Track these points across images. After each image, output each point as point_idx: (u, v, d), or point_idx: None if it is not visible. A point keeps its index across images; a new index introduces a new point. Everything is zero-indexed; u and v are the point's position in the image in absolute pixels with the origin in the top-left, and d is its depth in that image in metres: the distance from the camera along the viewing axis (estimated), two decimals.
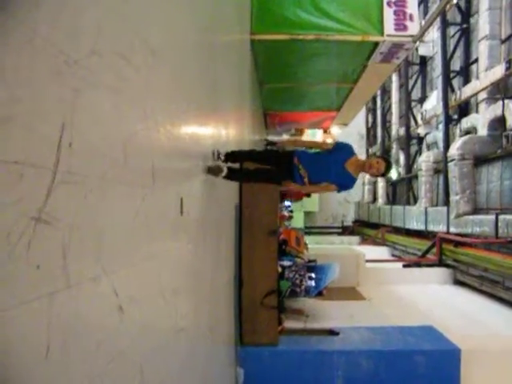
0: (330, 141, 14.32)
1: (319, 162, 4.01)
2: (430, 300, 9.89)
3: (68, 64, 1.26)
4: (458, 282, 12.04)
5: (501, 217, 10.39)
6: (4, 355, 1.00)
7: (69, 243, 1.25)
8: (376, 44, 7.64)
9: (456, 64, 14.87)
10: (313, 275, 7.61)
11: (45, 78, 1.16)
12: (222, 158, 3.83)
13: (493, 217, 10.71)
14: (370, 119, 26.75)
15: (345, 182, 4.11)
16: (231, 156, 3.97)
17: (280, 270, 7.08)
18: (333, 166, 3.97)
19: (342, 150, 4.05)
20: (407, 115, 19.10)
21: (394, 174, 20.24)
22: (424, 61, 18.25)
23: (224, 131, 4.42)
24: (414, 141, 19.01)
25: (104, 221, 1.51)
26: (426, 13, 15.99)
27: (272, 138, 16.57)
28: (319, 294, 7.79)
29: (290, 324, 6.89)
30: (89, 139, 1.41)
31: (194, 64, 3.04)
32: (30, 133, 1.10)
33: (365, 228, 23.76)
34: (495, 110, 11.76)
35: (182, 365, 2.65)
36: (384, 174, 4.12)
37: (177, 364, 2.53)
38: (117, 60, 1.63)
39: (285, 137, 17.48)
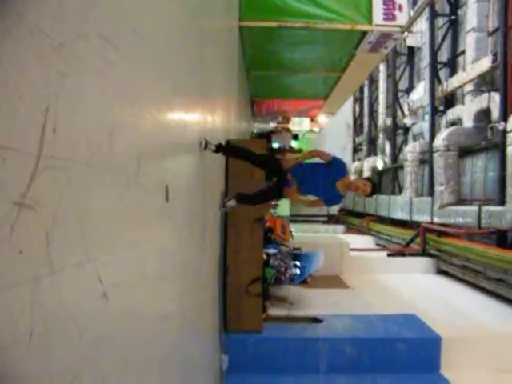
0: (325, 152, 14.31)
1: (312, 176, 4.21)
2: (413, 289, 10.03)
3: (53, 47, 1.23)
4: (441, 272, 12.22)
5: (484, 208, 10.53)
6: None
7: (52, 229, 1.24)
8: (364, 33, 7.63)
9: (443, 55, 14.93)
10: (297, 263, 7.67)
11: (30, 62, 1.13)
12: (213, 148, 3.89)
13: (476, 208, 10.85)
14: (357, 109, 26.81)
15: (332, 199, 4.35)
16: (223, 149, 4.09)
17: (265, 257, 7.11)
18: (324, 182, 4.17)
19: (338, 169, 4.24)
20: (394, 105, 19.18)
21: (379, 164, 20.34)
22: (412, 51, 18.29)
23: (211, 118, 4.40)
24: (401, 131, 19.11)
25: (88, 207, 1.49)
26: (414, 3, 15.94)
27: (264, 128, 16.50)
28: (304, 282, 7.86)
29: (274, 311, 6.95)
30: (73, 124, 1.39)
31: (181, 50, 3.00)
32: (14, 117, 1.08)
33: (350, 217, 23.92)
34: (481, 101, 11.85)
35: (166, 351, 2.66)
36: (370, 195, 4.32)
37: (161, 350, 2.53)
38: (103, 44, 1.61)
39: (272, 125, 17.43)
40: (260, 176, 5.54)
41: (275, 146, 14.70)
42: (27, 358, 1.13)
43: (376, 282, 10.34)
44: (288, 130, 16.05)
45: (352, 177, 4.50)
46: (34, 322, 1.14)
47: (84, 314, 1.46)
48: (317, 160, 4.39)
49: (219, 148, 4.11)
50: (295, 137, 15.70)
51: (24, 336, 1.11)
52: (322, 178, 4.15)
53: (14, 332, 1.08)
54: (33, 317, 1.14)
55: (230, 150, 4.66)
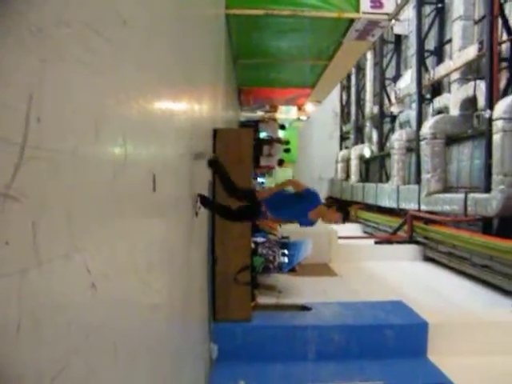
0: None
1: (286, 205, 4.37)
2: (400, 276, 10.14)
3: (32, 33, 1.20)
4: (428, 259, 12.36)
5: (470, 195, 10.64)
6: None
7: (39, 220, 1.22)
8: (351, 21, 7.61)
9: (430, 43, 14.97)
10: (286, 252, 7.70)
11: (10, 48, 1.11)
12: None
13: (462, 195, 10.96)
14: (345, 97, 26.83)
15: (304, 223, 4.61)
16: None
17: (253, 246, 7.13)
18: (298, 211, 4.35)
19: (311, 200, 4.32)
20: (381, 93, 19.23)
21: (367, 152, 20.42)
22: (399, 39, 18.31)
23: (198, 107, 4.37)
24: (388, 119, 19.18)
25: (75, 197, 1.48)
26: None
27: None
28: (292, 270, 7.90)
29: (263, 300, 6.98)
30: (58, 113, 1.36)
31: (167, 37, 2.97)
32: None
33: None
34: (467, 90, 11.93)
35: (156, 341, 2.66)
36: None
37: (151, 340, 2.53)
38: (86, 31, 1.58)
39: (259, 113, 17.37)
40: (249, 162, 5.58)
41: (262, 135, 14.67)
42: (15, 349, 1.12)
43: (364, 270, 10.43)
44: (275, 120, 16.03)
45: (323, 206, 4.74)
46: (21, 313, 1.13)
47: (73, 304, 1.45)
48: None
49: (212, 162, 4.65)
50: (282, 127, 15.69)
51: (12, 327, 1.10)
52: (297, 210, 4.32)
53: (2, 323, 1.07)
54: (21, 308, 1.13)
55: (218, 167, 4.88)
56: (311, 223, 4.48)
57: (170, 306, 3.13)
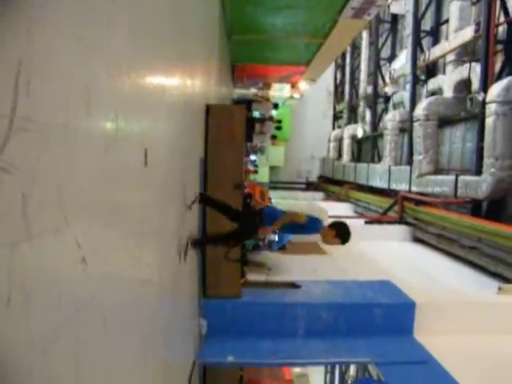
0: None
1: (290, 231, 5.05)
2: (389, 256, 10.23)
3: (20, 1, 1.17)
4: (417, 240, 12.48)
5: (460, 178, 10.70)
6: None
7: (29, 192, 1.21)
8: None
9: (427, 24, 14.85)
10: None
11: None
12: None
13: (453, 177, 11.02)
14: (339, 76, 26.67)
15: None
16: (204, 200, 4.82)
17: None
18: (297, 234, 5.15)
19: (312, 226, 4.66)
20: (376, 73, 19.13)
21: (359, 132, 20.41)
22: (395, 19, 18.15)
23: (190, 82, 4.32)
24: (381, 99, 19.12)
25: (66, 170, 1.46)
26: None
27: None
28: (282, 248, 7.95)
29: (252, 277, 7.04)
30: (48, 85, 1.34)
31: (160, 11, 2.92)
32: None
33: (329, 184, 24.09)
34: (461, 72, 11.89)
35: (145, 316, 2.67)
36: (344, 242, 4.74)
37: (141, 315, 2.54)
38: (76, 1, 1.54)
39: (253, 90, 17.25)
40: (241, 139, 5.58)
41: (255, 114, 14.60)
42: (6, 322, 1.12)
43: (353, 249, 10.48)
44: (268, 99, 15.97)
45: (326, 225, 4.85)
46: (12, 286, 1.13)
47: (63, 278, 1.45)
48: None
49: (202, 198, 4.82)
50: (275, 106, 15.62)
51: (2, 300, 1.10)
52: (300, 232, 4.85)
53: None
54: (11, 281, 1.12)
55: (209, 201, 5.11)
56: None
57: (160, 281, 3.14)
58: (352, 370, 6.86)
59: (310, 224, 4.60)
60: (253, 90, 17.38)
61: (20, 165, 1.17)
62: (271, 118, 14.54)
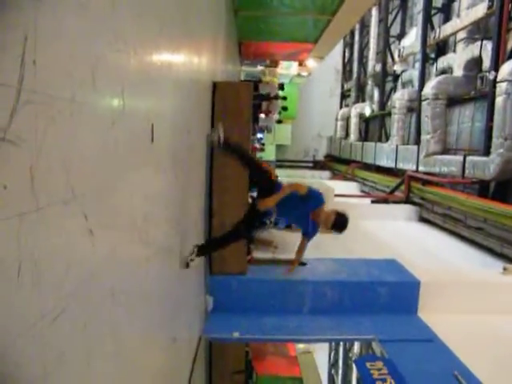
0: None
1: (291, 207, 4.23)
2: (395, 235, 10.24)
3: None
4: (423, 219, 12.46)
5: (468, 158, 10.62)
6: None
7: (37, 165, 1.22)
8: None
9: (438, 0, 14.57)
10: None
11: None
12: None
13: (461, 157, 10.94)
14: (347, 54, 26.35)
15: (307, 228, 4.41)
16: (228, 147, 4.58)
17: (250, 200, 7.15)
18: (300, 212, 4.25)
19: (315, 200, 4.25)
20: (385, 51, 18.87)
21: (367, 111, 20.24)
22: None
23: (197, 59, 4.29)
24: (390, 78, 18.89)
25: (73, 143, 1.47)
26: None
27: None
28: (288, 227, 7.96)
29: (258, 254, 7.07)
30: (55, 57, 1.33)
31: None
32: None
33: (336, 163, 24.01)
34: (473, 50, 11.70)
35: (152, 290, 2.71)
36: (337, 230, 4.28)
37: (147, 289, 2.58)
38: None
39: (259, 68, 17.09)
40: (248, 116, 5.52)
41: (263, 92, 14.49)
42: (17, 292, 1.14)
43: (359, 228, 10.50)
44: (275, 79, 15.93)
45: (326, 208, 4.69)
46: (21, 256, 1.14)
47: (70, 250, 1.47)
48: None
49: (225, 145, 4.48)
50: (281, 87, 15.51)
51: (13, 271, 1.12)
52: (301, 207, 4.20)
53: (3, 266, 1.08)
54: (20, 251, 1.14)
55: (232, 149, 4.71)
56: (314, 231, 4.41)
57: (167, 255, 3.17)
58: (356, 347, 6.93)
59: (312, 196, 4.20)
60: (260, 68, 17.23)
61: (27, 137, 1.18)
62: (276, 96, 14.41)
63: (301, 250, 4.59)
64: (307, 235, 4.40)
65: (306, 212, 4.21)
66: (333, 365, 8.06)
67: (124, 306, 2.05)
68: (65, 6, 1.39)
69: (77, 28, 1.49)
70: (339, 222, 4.19)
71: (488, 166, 9.72)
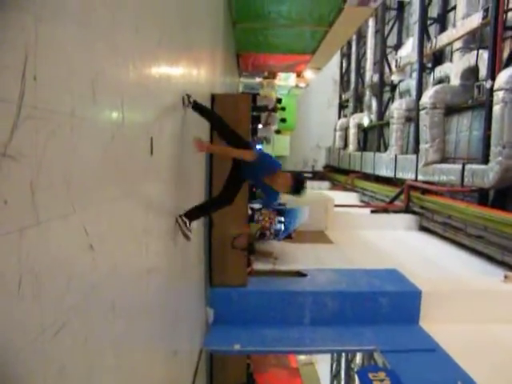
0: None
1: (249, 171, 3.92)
2: (395, 245, 10.22)
3: None
4: (423, 228, 12.44)
5: (467, 166, 10.63)
6: None
7: (37, 180, 1.22)
8: None
9: (434, 11, 14.68)
10: (282, 219, 7.73)
11: (3, 5, 1.08)
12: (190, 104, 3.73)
13: (459, 166, 10.95)
14: (345, 64, 26.46)
15: (268, 200, 4.21)
16: (199, 108, 3.91)
17: (250, 212, 7.16)
18: (256, 179, 3.97)
19: (267, 166, 3.86)
20: (382, 61, 18.96)
21: (365, 121, 20.31)
22: (402, 6, 17.93)
23: (196, 71, 4.31)
24: (388, 88, 18.96)
25: (73, 158, 1.48)
26: None
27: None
28: (288, 237, 7.95)
29: (259, 266, 7.06)
30: (54, 73, 1.35)
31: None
32: None
33: (335, 173, 24.01)
34: (469, 59, 11.76)
35: (153, 303, 2.70)
36: (294, 192, 3.89)
37: (148, 302, 2.57)
38: None
39: (258, 80, 17.18)
40: (247, 128, 5.47)
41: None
42: (18, 304, 1.14)
43: (359, 238, 10.51)
44: (273, 93, 16.06)
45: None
46: (22, 270, 1.15)
47: (71, 264, 1.47)
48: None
49: (195, 106, 3.83)
50: (279, 101, 15.59)
51: (13, 285, 1.12)
52: (256, 175, 3.92)
53: (3, 281, 1.08)
54: (21, 265, 1.14)
55: (201, 109, 4.11)
56: (272, 197, 4.12)
57: (166, 269, 3.17)
58: (358, 358, 6.89)
59: (264, 162, 3.79)
60: (258, 79, 17.30)
61: (27, 153, 1.18)
62: (274, 108, 14.48)
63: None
64: (265, 203, 4.17)
65: (261, 178, 3.89)
66: (335, 376, 8.00)
67: (125, 319, 2.05)
68: (64, 22, 1.41)
69: (76, 44, 1.50)
70: (296, 185, 3.83)
71: (487, 174, 9.73)
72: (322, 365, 7.22)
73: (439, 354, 5.30)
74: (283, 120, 15.62)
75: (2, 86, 1.08)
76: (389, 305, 6.11)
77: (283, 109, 15.25)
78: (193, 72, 4.13)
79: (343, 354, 6.71)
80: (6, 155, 1.08)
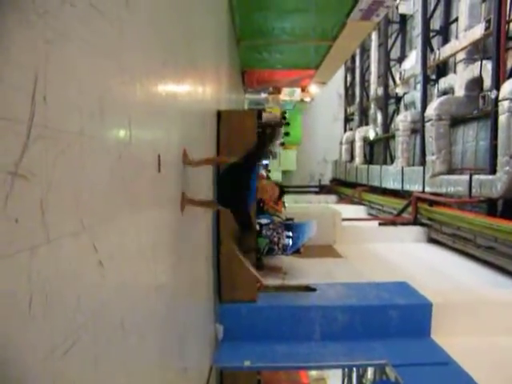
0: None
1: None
2: (404, 257, 10.15)
3: (38, 13, 1.21)
4: (432, 240, 12.36)
5: (474, 177, 10.59)
6: None
7: (47, 198, 1.24)
8: (356, 1, 7.53)
9: (436, 23, 14.76)
10: (290, 233, 7.72)
11: (14, 28, 1.11)
12: None
13: (467, 177, 10.91)
14: (349, 78, 26.58)
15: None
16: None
17: (258, 227, 7.16)
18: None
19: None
20: (386, 75, 19.04)
21: (371, 134, 20.32)
22: (404, 19, 18.06)
23: (201, 88, 4.36)
24: (392, 100, 19.01)
25: (82, 176, 1.49)
26: None
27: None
28: (296, 252, 7.93)
29: (268, 281, 7.02)
30: (64, 93, 1.37)
31: (169, 18, 2.95)
32: (2, 85, 1.06)
33: (342, 187, 23.97)
34: (473, 70, 11.79)
35: (162, 320, 2.70)
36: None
37: (157, 319, 2.57)
38: (90, 11, 1.58)
39: (263, 95, 17.29)
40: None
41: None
42: (29, 325, 1.15)
43: (368, 251, 10.45)
44: (276, 110, 16.24)
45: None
46: (33, 289, 1.16)
47: (81, 281, 1.48)
48: None
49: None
50: (283, 115, 15.73)
51: (24, 304, 1.13)
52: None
53: (15, 301, 1.09)
54: (31, 285, 1.15)
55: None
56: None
57: (175, 285, 3.17)
58: (369, 373, 6.81)
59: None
60: (263, 95, 17.42)
61: (37, 172, 1.20)
62: (278, 123, 14.64)
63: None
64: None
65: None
66: None
67: (134, 336, 2.05)
68: (73, 44, 1.44)
69: (84, 64, 1.53)
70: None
71: (495, 185, 9.68)
72: (334, 380, 7.14)
73: (452, 367, 5.22)
74: (287, 134, 15.74)
75: (13, 106, 1.10)
76: (399, 318, 6.06)
77: (288, 124, 15.37)
78: (199, 89, 4.17)
79: (354, 369, 6.63)
80: (17, 174, 1.10)
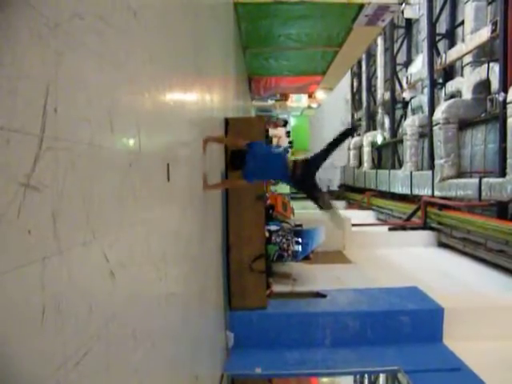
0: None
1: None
2: (414, 262, 10.10)
3: (48, 27, 1.23)
4: (442, 244, 12.28)
5: (484, 180, 10.52)
6: (2, 321, 1.02)
7: (58, 209, 1.25)
8: (361, 6, 7.53)
9: (442, 27, 14.74)
10: (299, 240, 7.70)
11: (26, 42, 1.13)
12: None
13: (476, 180, 10.85)
14: (356, 83, 26.58)
15: None
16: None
17: (267, 234, 7.15)
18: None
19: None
20: (392, 79, 19.01)
21: (379, 139, 20.28)
22: (410, 23, 18.05)
23: (209, 96, 4.38)
24: (400, 105, 18.98)
25: (92, 187, 1.51)
26: None
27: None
28: (306, 258, 7.91)
29: (278, 288, 7.01)
30: (74, 104, 1.39)
31: (177, 27, 2.98)
32: (14, 98, 1.08)
33: (351, 192, 23.93)
34: (480, 73, 11.75)
35: (173, 329, 2.70)
36: None
37: (168, 328, 2.57)
38: (98, 23, 1.60)
39: (270, 102, 17.35)
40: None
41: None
42: (41, 337, 1.16)
43: (378, 257, 10.41)
44: (279, 118, 16.46)
45: None
46: (45, 299, 1.16)
47: (93, 291, 1.48)
48: None
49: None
50: (284, 124, 15.87)
51: (37, 314, 1.13)
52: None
53: (28, 311, 1.10)
54: (44, 295, 1.16)
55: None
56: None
57: (186, 294, 3.17)
58: (381, 379, 6.76)
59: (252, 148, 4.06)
60: (270, 102, 17.45)
61: (49, 183, 1.21)
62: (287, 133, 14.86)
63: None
64: None
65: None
66: None
67: (146, 345, 2.05)
68: (83, 56, 1.46)
69: (94, 75, 1.55)
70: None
71: (505, 187, 9.61)
72: None
73: (465, 373, 5.17)
74: (290, 143, 15.92)
75: (25, 119, 1.11)
76: (411, 323, 6.01)
77: (288, 133, 15.62)
78: (206, 97, 4.19)
79: (366, 376, 6.59)
80: (29, 186, 1.11)
